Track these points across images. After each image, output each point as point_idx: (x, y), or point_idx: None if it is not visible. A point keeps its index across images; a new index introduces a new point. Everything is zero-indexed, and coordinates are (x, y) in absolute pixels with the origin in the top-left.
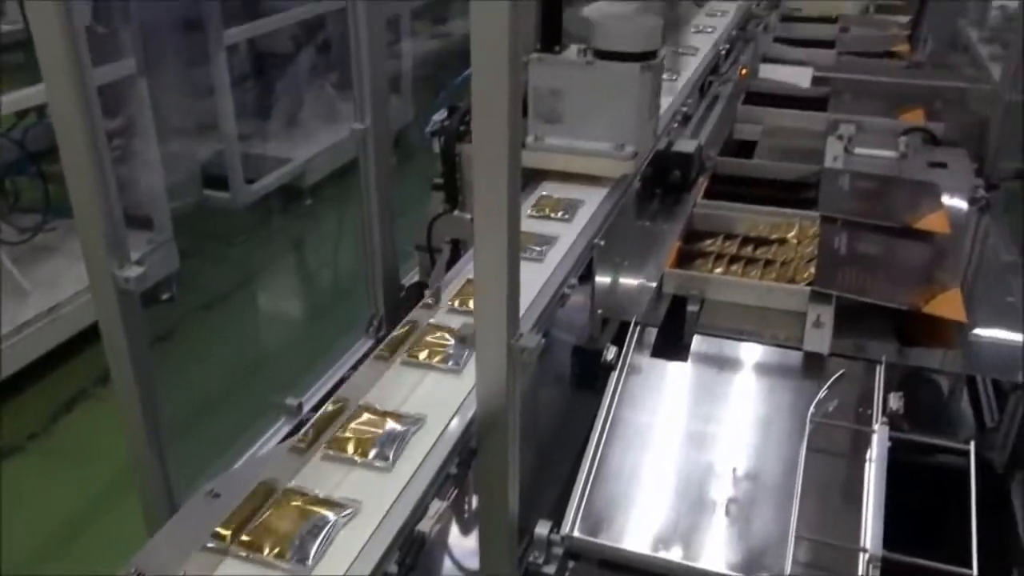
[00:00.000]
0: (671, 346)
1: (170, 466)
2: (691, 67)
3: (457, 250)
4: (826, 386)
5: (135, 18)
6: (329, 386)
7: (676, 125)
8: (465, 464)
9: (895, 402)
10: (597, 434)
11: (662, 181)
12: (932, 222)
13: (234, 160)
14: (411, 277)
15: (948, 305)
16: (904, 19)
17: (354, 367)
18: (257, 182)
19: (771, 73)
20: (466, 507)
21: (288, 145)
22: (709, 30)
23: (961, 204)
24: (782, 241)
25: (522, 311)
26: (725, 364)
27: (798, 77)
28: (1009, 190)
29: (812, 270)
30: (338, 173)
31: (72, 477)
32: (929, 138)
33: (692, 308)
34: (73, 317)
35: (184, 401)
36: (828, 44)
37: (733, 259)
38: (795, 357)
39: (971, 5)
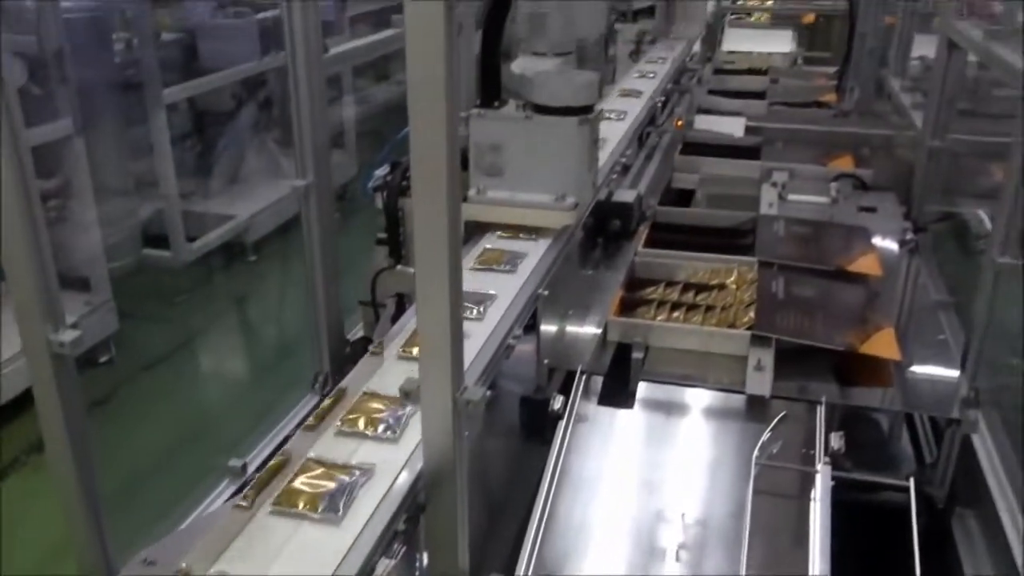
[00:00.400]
0: (617, 393)
1: (108, 533)
2: (629, 119)
3: (402, 304)
4: (769, 428)
5: (72, 78)
6: (274, 445)
7: (615, 176)
8: (413, 520)
9: (836, 442)
10: (546, 485)
11: (603, 230)
12: (864, 264)
13: (174, 218)
14: (356, 332)
15: (883, 344)
16: (831, 70)
17: (299, 425)
18: (199, 240)
19: (706, 124)
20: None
21: (230, 202)
22: (647, 79)
23: (892, 246)
24: (722, 287)
25: (467, 364)
26: (670, 409)
27: (732, 127)
28: (936, 232)
29: (751, 314)
30: (282, 229)
31: (7, 547)
32: (859, 184)
33: (636, 355)
34: (7, 382)
35: (124, 466)
36: (759, 95)
37: (675, 306)
38: (738, 401)
39: (893, 56)
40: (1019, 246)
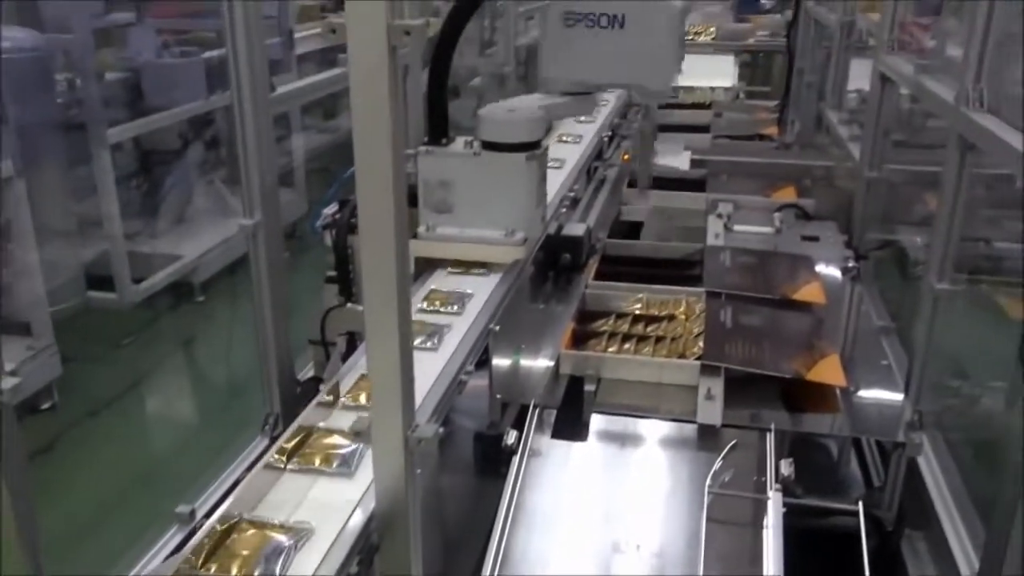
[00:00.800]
0: (570, 426)
1: None
2: (576, 153)
3: (353, 342)
4: (720, 457)
5: (12, 119)
6: (224, 490)
7: (564, 210)
8: (367, 562)
9: (786, 468)
10: (502, 520)
11: (554, 264)
12: (808, 293)
13: (119, 260)
14: (307, 372)
15: (828, 371)
16: (772, 104)
17: (249, 468)
18: (145, 281)
19: (653, 158)
20: None
21: (177, 242)
22: (591, 120)
23: (835, 274)
24: (671, 317)
25: (418, 401)
26: (624, 441)
27: (678, 161)
28: (877, 259)
29: (701, 344)
30: (231, 268)
31: None
32: (801, 214)
33: (589, 388)
34: None
35: (69, 515)
36: (704, 129)
37: (626, 337)
38: (690, 430)
39: (830, 90)
40: (955, 272)
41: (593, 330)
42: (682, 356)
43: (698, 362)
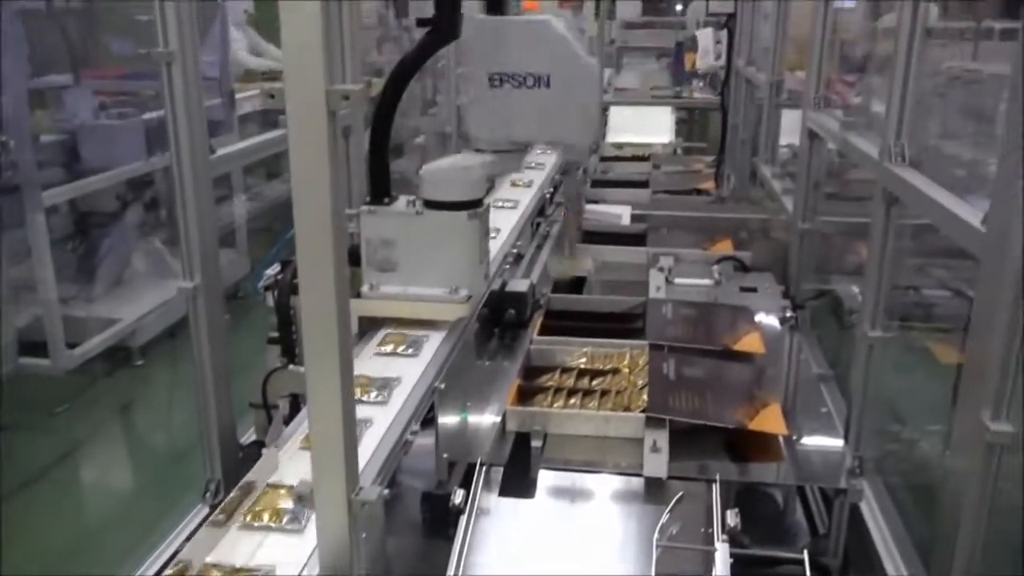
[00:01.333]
0: (518, 484)
1: None
2: (519, 209)
3: (296, 405)
4: (668, 510)
5: None
6: (164, 559)
7: (508, 266)
8: None
9: (732, 519)
10: None
11: (499, 320)
12: (748, 343)
13: (53, 324)
14: (249, 436)
15: (770, 420)
16: (708, 159)
17: (189, 537)
18: (81, 346)
19: (595, 213)
20: None
21: (114, 305)
22: (534, 173)
23: (773, 323)
24: (616, 371)
25: (362, 463)
26: (572, 496)
27: (619, 215)
28: (813, 309)
29: (645, 397)
30: (170, 331)
31: None
32: (739, 265)
33: (535, 444)
34: None
35: None
36: (643, 184)
37: (571, 392)
38: (637, 483)
39: (763, 145)
40: (887, 319)
41: (539, 385)
42: (627, 409)
43: (643, 415)
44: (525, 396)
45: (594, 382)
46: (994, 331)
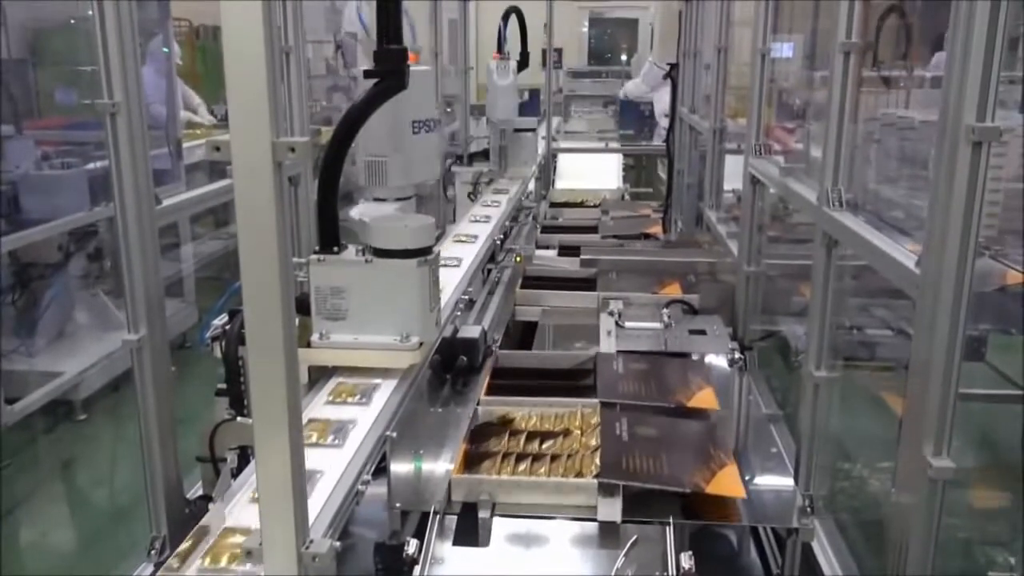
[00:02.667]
0: (472, 532)
1: None
2: (470, 256)
3: (246, 458)
4: (623, 554)
5: None
6: None
7: (459, 313)
8: None
9: (687, 561)
10: None
11: (451, 366)
12: (702, 399)
13: None
14: (197, 490)
15: (727, 484)
16: (655, 203)
17: None
18: (20, 401)
19: (545, 259)
20: None
21: (56, 358)
22: (485, 220)
23: (722, 364)
24: (567, 432)
25: (313, 515)
26: (526, 543)
27: (568, 261)
28: (761, 350)
29: (598, 460)
30: (114, 384)
31: None
32: (688, 308)
33: (483, 514)
34: None
35: None
36: (592, 229)
37: (520, 457)
38: (591, 528)
39: (708, 190)
40: (832, 359)
41: (486, 451)
42: (579, 474)
43: (596, 480)
44: (472, 462)
45: (544, 445)
46: (931, 369)
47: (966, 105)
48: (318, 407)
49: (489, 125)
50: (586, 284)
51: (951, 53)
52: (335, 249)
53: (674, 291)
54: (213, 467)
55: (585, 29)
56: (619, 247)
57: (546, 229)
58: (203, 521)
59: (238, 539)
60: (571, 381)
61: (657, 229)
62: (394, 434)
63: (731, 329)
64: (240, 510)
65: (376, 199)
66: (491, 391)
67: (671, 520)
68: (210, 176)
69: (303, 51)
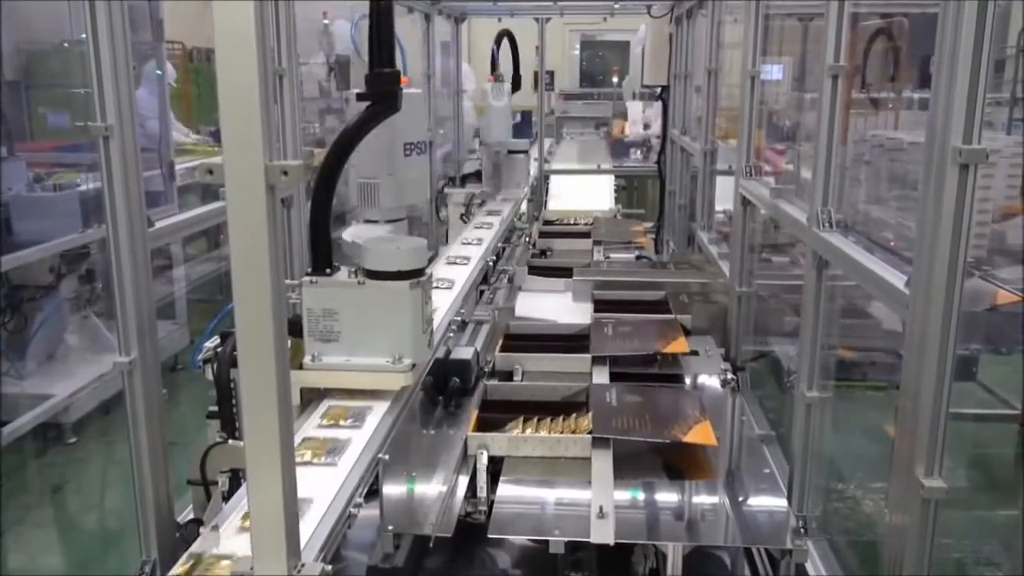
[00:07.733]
0: (465, 554)
1: None
2: (463, 277)
3: (237, 481)
4: None
5: None
6: None
7: (452, 335)
8: None
9: None
10: None
11: (444, 387)
12: (698, 434)
13: None
14: (187, 514)
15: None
16: (648, 224)
17: None
18: (10, 424)
19: (536, 284)
20: None
21: (47, 381)
22: (477, 243)
23: (715, 385)
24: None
25: (305, 538)
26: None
27: (556, 285)
28: (753, 370)
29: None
30: (105, 407)
31: None
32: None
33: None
34: None
35: None
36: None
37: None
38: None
39: (699, 211)
40: (824, 379)
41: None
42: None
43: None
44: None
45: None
46: (922, 389)
47: (953, 127)
48: (311, 429)
49: (482, 147)
50: (578, 341)
51: (937, 76)
52: (328, 271)
53: (679, 348)
54: (204, 490)
55: (576, 51)
56: (611, 269)
57: (534, 258)
58: (194, 547)
59: (228, 563)
60: (564, 413)
61: (645, 240)
62: (387, 456)
63: (723, 350)
64: (231, 533)
65: (367, 221)
66: (479, 426)
67: (670, 545)
68: (203, 198)
69: (297, 73)
